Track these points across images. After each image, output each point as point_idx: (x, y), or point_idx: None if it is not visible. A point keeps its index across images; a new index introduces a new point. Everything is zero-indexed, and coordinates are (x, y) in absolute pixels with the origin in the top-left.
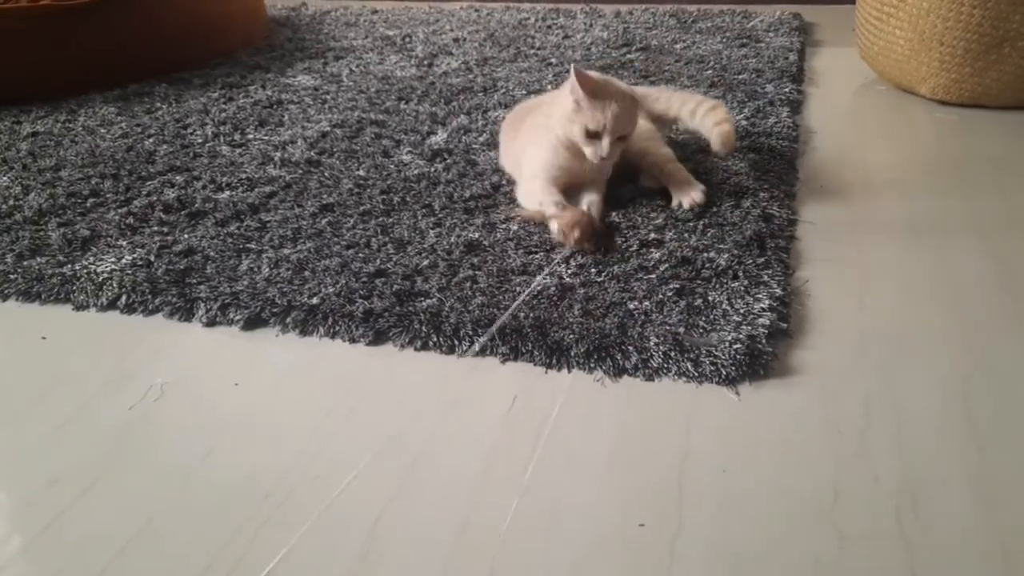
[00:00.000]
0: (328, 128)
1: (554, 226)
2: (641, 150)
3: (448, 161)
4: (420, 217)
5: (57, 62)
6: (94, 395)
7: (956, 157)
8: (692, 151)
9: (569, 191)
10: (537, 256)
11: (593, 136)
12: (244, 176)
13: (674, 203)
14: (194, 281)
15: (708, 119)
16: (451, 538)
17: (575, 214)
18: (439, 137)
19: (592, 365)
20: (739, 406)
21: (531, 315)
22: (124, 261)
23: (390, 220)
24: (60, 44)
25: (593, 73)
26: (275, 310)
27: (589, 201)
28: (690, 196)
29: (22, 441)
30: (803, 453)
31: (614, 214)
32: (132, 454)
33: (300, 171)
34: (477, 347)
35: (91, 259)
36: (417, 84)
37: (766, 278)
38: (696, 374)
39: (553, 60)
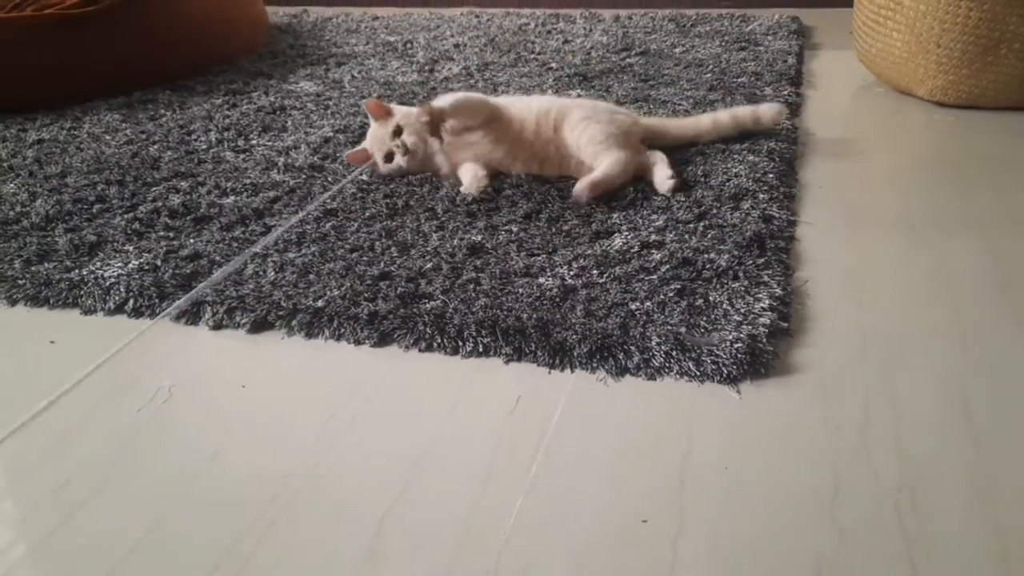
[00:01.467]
0: (331, 133)
1: None
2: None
3: None
4: (423, 220)
5: (62, 70)
6: (103, 398)
7: (954, 158)
8: (691, 154)
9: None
10: (539, 258)
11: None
12: (248, 181)
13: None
14: (200, 285)
15: (744, 110)
16: (456, 536)
17: None
18: None
19: (595, 365)
20: (740, 404)
21: (534, 316)
22: (131, 266)
23: (393, 224)
24: (65, 53)
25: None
26: (281, 313)
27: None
28: (666, 184)
29: (32, 445)
30: (804, 450)
31: (615, 215)
32: (141, 456)
33: (304, 176)
34: (179, 306)
35: (98, 264)
36: (419, 89)
37: (766, 278)
38: (698, 373)
39: (553, 64)
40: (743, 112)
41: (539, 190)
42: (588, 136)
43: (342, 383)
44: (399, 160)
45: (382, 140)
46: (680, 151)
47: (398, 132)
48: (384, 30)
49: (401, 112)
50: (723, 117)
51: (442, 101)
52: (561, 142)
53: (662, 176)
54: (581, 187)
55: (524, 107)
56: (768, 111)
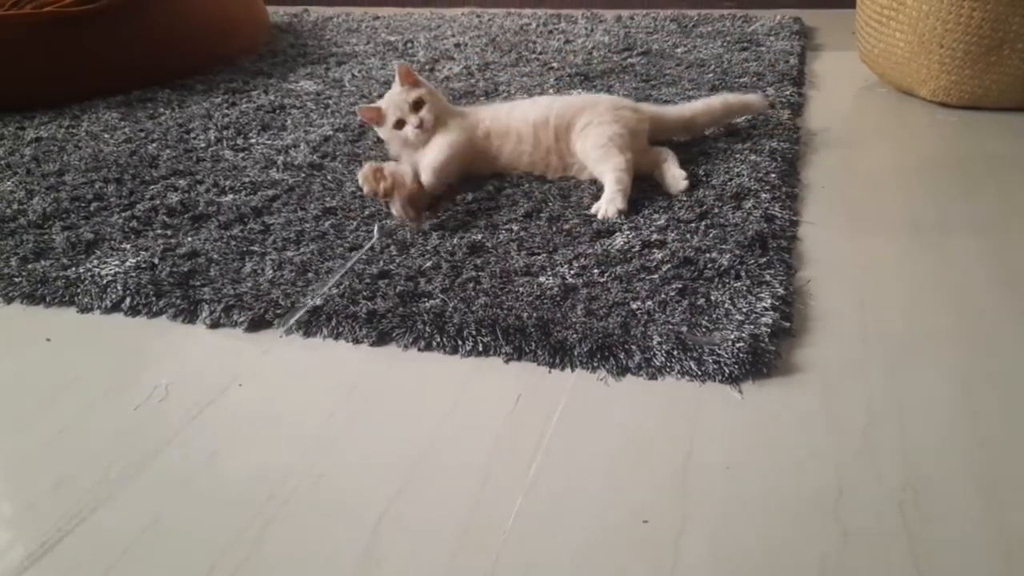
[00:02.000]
0: (331, 132)
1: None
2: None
3: None
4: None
5: (60, 69)
6: (99, 397)
7: (957, 158)
8: (693, 153)
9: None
10: (540, 257)
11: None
12: (247, 180)
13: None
14: (198, 283)
15: (732, 96)
16: (455, 536)
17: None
18: None
19: (595, 364)
20: (742, 404)
21: (535, 315)
22: (128, 264)
23: (393, 222)
24: (63, 51)
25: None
26: (279, 311)
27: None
28: (680, 184)
29: (28, 443)
30: (806, 450)
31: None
32: (137, 455)
33: (303, 175)
34: (293, 321)
35: (95, 262)
36: None
37: (768, 278)
38: (699, 373)
39: (554, 64)
40: (732, 98)
41: (539, 189)
42: (591, 142)
43: (340, 382)
44: (409, 131)
45: (400, 105)
46: (682, 151)
47: (418, 105)
48: (385, 30)
49: (429, 87)
50: (714, 102)
51: (424, 172)
52: (564, 148)
53: (676, 175)
54: (612, 212)
55: (521, 118)
56: (754, 97)
